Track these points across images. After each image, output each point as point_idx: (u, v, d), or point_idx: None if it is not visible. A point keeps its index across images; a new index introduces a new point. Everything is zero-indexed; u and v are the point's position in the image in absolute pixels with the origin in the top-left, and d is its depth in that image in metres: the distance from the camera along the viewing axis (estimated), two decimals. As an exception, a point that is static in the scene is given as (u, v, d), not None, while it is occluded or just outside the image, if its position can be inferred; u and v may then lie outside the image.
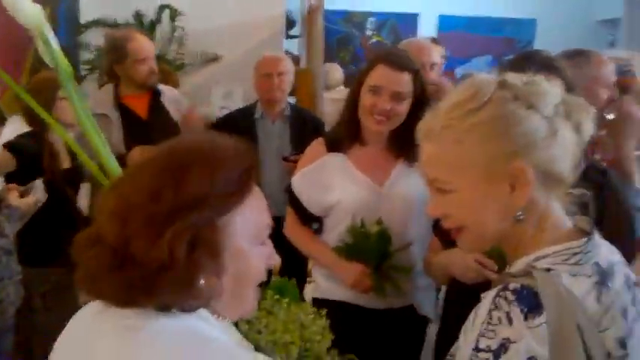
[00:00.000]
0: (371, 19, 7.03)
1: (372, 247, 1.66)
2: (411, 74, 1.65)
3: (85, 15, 3.72)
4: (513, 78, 0.84)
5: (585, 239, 0.80)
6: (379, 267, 1.68)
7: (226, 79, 3.95)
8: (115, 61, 2.59)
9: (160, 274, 0.65)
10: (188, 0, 3.73)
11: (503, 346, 0.72)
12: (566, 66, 1.37)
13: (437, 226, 1.55)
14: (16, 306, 1.93)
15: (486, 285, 1.30)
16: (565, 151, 0.80)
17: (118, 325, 0.68)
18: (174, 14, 3.71)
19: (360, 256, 1.68)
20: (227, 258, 0.70)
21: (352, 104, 1.73)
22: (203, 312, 0.72)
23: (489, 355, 0.73)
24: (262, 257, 0.77)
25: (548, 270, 0.77)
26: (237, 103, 3.74)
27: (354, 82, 1.74)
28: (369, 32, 7.10)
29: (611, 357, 0.76)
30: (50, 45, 1.06)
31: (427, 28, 7.38)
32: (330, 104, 3.79)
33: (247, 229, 0.73)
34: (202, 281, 0.68)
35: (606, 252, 0.83)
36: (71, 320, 0.79)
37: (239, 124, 2.66)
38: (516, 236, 0.84)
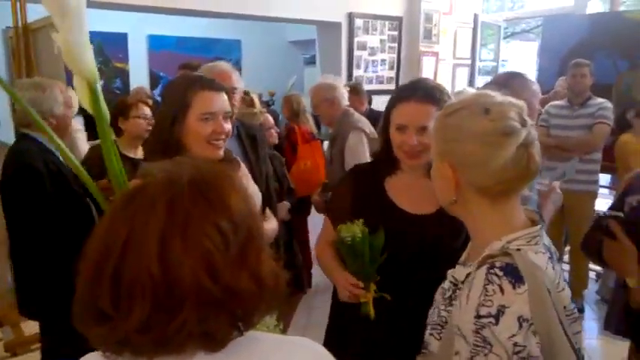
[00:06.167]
0: (74, 37, 6.42)
1: None
2: (227, 95, 1.55)
3: None
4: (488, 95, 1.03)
5: (539, 226, 1.03)
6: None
7: None
8: None
9: (260, 296, 0.70)
10: None
11: (501, 311, 0.90)
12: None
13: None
14: None
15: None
16: (495, 171, 0.98)
17: None
18: None
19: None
20: None
21: (171, 130, 1.47)
22: None
23: (491, 319, 0.91)
24: None
25: (518, 250, 0.97)
26: None
27: (170, 112, 1.48)
28: (73, 52, 6.47)
29: (566, 309, 0.99)
30: (99, 97, 1.16)
31: (137, 48, 7.15)
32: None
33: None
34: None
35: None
36: None
37: None
38: (470, 220, 1.07)
